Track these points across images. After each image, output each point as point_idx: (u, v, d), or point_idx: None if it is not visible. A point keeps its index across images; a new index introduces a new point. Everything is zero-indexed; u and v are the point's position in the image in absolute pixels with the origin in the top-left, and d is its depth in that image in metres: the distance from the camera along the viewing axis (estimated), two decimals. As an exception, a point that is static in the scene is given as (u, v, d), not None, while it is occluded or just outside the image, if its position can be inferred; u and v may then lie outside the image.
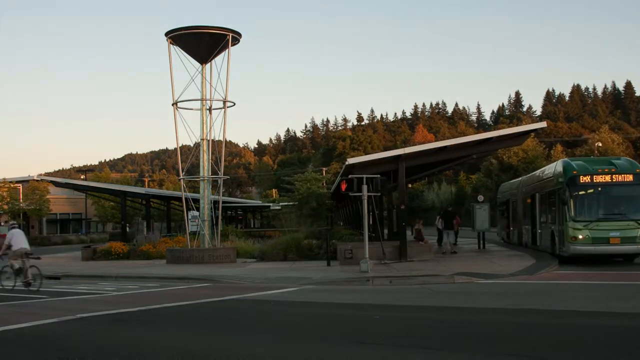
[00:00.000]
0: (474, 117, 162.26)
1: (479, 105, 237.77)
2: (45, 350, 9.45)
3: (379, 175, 21.48)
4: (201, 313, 13.30)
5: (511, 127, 54.71)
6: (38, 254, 20.98)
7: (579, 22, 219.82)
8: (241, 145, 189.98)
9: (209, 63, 29.14)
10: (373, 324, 11.18)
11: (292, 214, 43.12)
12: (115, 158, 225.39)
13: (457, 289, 16.53)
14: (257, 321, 11.91)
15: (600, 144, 64.50)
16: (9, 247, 18.35)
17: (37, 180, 58.02)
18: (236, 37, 28.73)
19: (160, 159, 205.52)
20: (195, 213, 31.16)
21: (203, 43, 28.16)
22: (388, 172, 24.54)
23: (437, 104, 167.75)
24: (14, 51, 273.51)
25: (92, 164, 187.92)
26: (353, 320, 11.81)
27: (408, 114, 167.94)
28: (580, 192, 21.89)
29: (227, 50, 28.53)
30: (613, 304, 12.83)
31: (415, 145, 53.04)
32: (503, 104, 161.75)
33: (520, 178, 35.91)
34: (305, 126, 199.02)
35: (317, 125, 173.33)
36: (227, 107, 29.17)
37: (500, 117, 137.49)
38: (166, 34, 28.44)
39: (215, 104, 29.33)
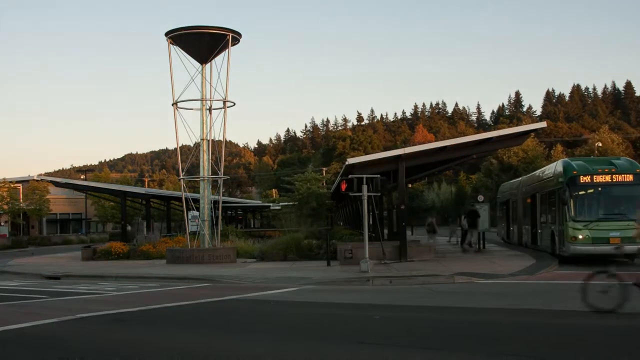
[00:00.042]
0: (474, 117, 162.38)
1: (479, 105, 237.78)
2: (45, 350, 9.45)
3: (379, 175, 21.48)
4: (201, 313, 13.30)
5: (511, 127, 54.72)
6: (38, 254, 20.99)
7: (579, 22, 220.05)
8: (241, 145, 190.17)
9: (209, 63, 29.14)
10: (373, 324, 11.18)
11: (292, 214, 43.14)
12: (115, 158, 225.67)
13: (457, 289, 16.53)
14: (257, 321, 11.91)
15: (600, 144, 64.54)
16: None
17: (37, 180, 58.00)
18: (236, 37, 28.73)
19: (160, 159, 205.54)
20: (195, 213, 31.16)
21: (203, 43, 28.16)
22: (388, 172, 24.54)
23: (437, 104, 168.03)
24: (14, 51, 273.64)
25: (92, 164, 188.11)
26: (353, 320, 11.81)
27: (408, 114, 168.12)
28: (580, 192, 21.90)
29: (227, 50, 28.54)
30: (613, 304, 12.81)
31: (415, 145, 53.04)
32: (503, 104, 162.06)
33: (520, 178, 35.92)
34: (305, 126, 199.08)
35: (317, 125, 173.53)
36: (227, 107, 29.21)
37: (500, 117, 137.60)
38: (166, 34, 28.44)
39: (215, 104, 29.39)
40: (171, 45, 28.66)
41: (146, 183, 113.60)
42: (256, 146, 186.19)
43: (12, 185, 56.71)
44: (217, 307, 14.30)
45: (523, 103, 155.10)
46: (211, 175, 29.77)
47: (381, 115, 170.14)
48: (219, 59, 29.07)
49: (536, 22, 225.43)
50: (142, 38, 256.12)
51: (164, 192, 60.28)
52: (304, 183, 40.64)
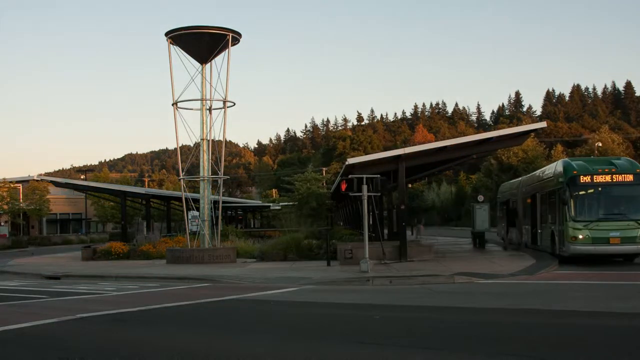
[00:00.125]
0: (474, 117, 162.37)
1: (479, 105, 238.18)
2: (45, 350, 9.45)
3: (379, 175, 21.48)
4: (201, 313, 13.30)
5: (511, 127, 54.71)
6: (38, 254, 21.02)
7: (579, 22, 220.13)
8: (241, 145, 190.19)
9: (209, 63, 29.14)
10: (373, 324, 11.18)
11: (292, 214, 43.15)
12: (115, 158, 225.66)
13: (457, 289, 16.53)
14: (257, 321, 11.91)
15: (600, 144, 64.49)
16: None
17: (37, 180, 58.01)
18: (236, 37, 28.73)
19: (160, 159, 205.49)
20: (195, 213, 31.16)
21: (203, 43, 28.16)
22: (388, 172, 24.54)
23: (437, 104, 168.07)
24: (14, 51, 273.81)
25: (92, 164, 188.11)
26: (353, 320, 11.81)
27: (408, 114, 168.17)
28: (581, 192, 21.89)
29: (227, 50, 28.54)
30: (613, 304, 12.83)
31: (415, 145, 53.04)
32: (503, 104, 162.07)
33: (520, 178, 35.90)
34: (305, 126, 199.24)
35: (317, 125, 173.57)
36: (227, 107, 29.21)
37: (500, 117, 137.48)
38: (166, 34, 28.44)
39: (215, 104, 29.39)
40: (171, 45, 28.66)
41: (146, 183, 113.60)
42: (256, 146, 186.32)
43: (12, 185, 56.72)
44: (217, 307, 14.30)
45: (523, 103, 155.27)
46: (211, 175, 29.77)
47: (381, 115, 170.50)
48: (219, 59, 29.12)
49: (536, 22, 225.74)
50: (142, 38, 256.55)
51: (164, 192, 60.27)
52: (304, 183, 40.63)
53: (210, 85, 28.94)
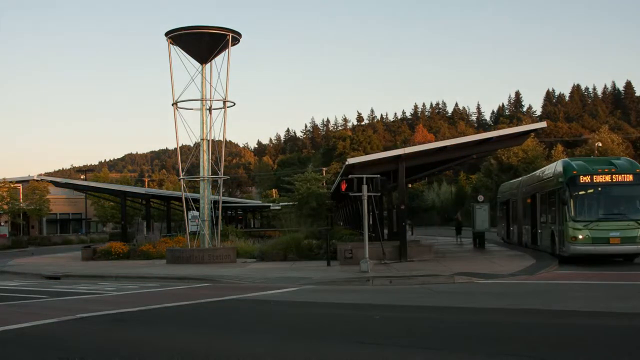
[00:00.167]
0: (474, 117, 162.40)
1: (479, 105, 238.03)
2: (45, 350, 9.45)
3: (379, 175, 21.48)
4: (201, 313, 13.30)
5: (511, 127, 54.71)
6: (38, 254, 21.02)
7: (579, 22, 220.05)
8: (241, 145, 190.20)
9: (209, 63, 29.14)
10: (373, 324, 11.18)
11: (292, 214, 43.14)
12: (115, 158, 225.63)
13: (457, 289, 16.53)
14: (257, 321, 11.91)
15: (600, 144, 64.50)
16: None
17: (37, 180, 58.02)
18: (236, 37, 28.73)
19: (160, 159, 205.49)
20: (195, 213, 31.16)
21: (203, 43, 28.16)
22: (388, 172, 24.54)
23: (437, 104, 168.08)
24: (14, 51, 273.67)
25: (92, 164, 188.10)
26: (353, 320, 11.81)
27: (408, 114, 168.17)
28: (580, 192, 21.89)
29: (227, 50, 28.54)
30: (613, 304, 12.83)
31: (415, 145, 53.05)
32: (503, 104, 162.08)
33: (520, 178, 35.92)
34: (305, 126, 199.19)
35: (317, 125, 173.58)
36: (227, 107, 29.20)
37: (500, 117, 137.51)
38: (166, 34, 28.44)
39: (215, 104, 29.39)
40: (171, 45, 28.66)
41: (146, 183, 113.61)
42: (256, 146, 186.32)
43: (12, 185, 56.73)
44: (217, 307, 14.30)
45: (523, 103, 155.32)
46: (211, 175, 29.77)
47: (381, 115, 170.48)
48: (219, 59, 29.11)
49: (536, 22, 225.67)
50: (142, 38, 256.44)
51: (164, 192, 60.27)
52: (304, 183, 40.63)
53: (210, 85, 29.00)
